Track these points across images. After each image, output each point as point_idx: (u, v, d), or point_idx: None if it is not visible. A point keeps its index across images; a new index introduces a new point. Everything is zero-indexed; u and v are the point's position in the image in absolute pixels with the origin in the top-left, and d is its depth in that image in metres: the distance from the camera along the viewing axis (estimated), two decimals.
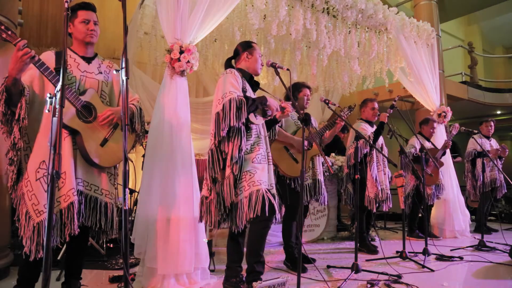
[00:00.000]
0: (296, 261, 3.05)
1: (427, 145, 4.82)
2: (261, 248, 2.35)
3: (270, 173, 2.45)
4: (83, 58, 2.20)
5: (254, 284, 2.22)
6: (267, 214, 2.22)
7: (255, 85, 2.65)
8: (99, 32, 2.23)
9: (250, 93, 2.47)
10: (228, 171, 2.31)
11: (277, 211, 2.30)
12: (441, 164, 4.73)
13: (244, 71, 2.56)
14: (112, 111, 2.14)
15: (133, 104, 2.32)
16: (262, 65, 2.58)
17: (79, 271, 2.26)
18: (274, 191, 2.40)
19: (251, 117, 2.37)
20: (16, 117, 1.93)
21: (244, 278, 2.47)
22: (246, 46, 2.60)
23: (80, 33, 2.15)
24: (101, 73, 2.24)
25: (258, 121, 2.42)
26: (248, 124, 2.39)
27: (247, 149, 2.38)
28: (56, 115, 1.48)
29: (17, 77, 1.87)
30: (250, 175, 2.32)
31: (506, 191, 5.41)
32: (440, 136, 5.11)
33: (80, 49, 2.21)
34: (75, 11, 2.15)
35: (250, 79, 2.56)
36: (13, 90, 1.90)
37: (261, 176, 2.32)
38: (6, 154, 1.99)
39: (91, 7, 2.19)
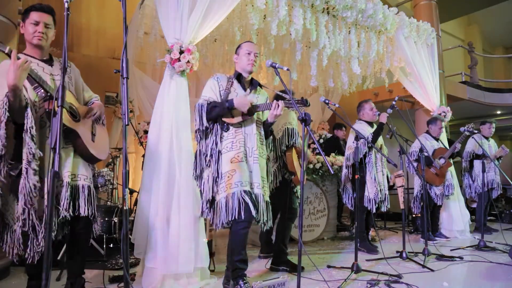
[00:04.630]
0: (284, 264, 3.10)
1: (435, 144, 4.81)
2: (242, 247, 2.42)
3: (255, 171, 2.47)
4: (43, 61, 2.17)
5: (254, 284, 2.22)
6: (243, 217, 2.32)
7: (253, 85, 2.67)
8: (50, 36, 2.17)
9: (237, 93, 2.53)
10: (209, 170, 2.45)
11: (253, 212, 2.35)
12: (449, 164, 4.73)
13: (236, 72, 2.64)
14: (96, 107, 2.29)
15: (98, 100, 2.43)
16: (253, 60, 2.57)
17: (81, 267, 2.26)
18: (258, 190, 2.43)
19: (226, 118, 2.47)
20: (25, 128, 1.92)
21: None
22: (236, 49, 2.68)
23: (28, 34, 2.11)
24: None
25: (235, 120, 2.48)
26: (226, 124, 2.49)
27: (226, 147, 2.45)
28: (55, 116, 1.48)
29: (20, 87, 1.85)
30: (228, 176, 2.39)
31: (501, 191, 5.41)
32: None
33: (34, 52, 2.16)
34: (28, 12, 2.11)
35: (238, 78, 2.61)
36: (17, 105, 1.89)
37: (239, 178, 2.38)
38: (28, 165, 1.93)
39: (44, 9, 2.12)
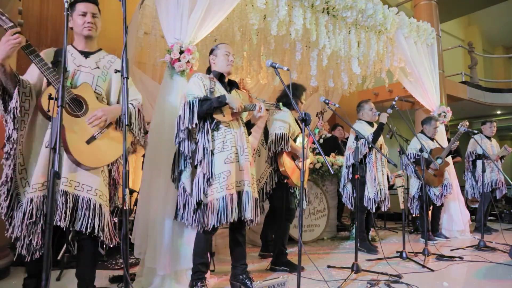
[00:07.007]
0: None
1: (431, 144, 4.80)
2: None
3: (246, 169, 2.48)
4: (81, 52, 2.16)
5: (254, 284, 2.23)
6: (225, 221, 2.32)
7: (232, 85, 2.70)
8: (99, 25, 2.17)
9: (220, 92, 2.52)
10: (198, 170, 2.38)
11: (230, 218, 2.33)
12: (447, 164, 4.73)
13: (215, 72, 2.65)
14: (104, 112, 2.03)
15: (131, 104, 2.24)
16: (232, 61, 2.64)
17: (92, 275, 2.14)
18: (248, 187, 2.45)
19: (216, 115, 2.44)
20: (9, 108, 1.87)
21: (250, 275, 2.53)
22: (211, 50, 2.69)
23: (77, 26, 2.11)
24: (98, 68, 2.17)
25: (226, 118, 2.47)
26: (215, 122, 2.46)
27: (218, 147, 2.42)
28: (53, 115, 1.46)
29: (4, 63, 1.80)
30: (224, 177, 2.36)
31: (506, 191, 5.40)
32: (440, 136, 5.10)
33: (80, 43, 2.17)
34: (74, 4, 2.10)
35: (220, 78, 2.62)
36: (4, 83, 1.86)
37: (235, 178, 2.41)
38: (2, 147, 1.92)
39: None
